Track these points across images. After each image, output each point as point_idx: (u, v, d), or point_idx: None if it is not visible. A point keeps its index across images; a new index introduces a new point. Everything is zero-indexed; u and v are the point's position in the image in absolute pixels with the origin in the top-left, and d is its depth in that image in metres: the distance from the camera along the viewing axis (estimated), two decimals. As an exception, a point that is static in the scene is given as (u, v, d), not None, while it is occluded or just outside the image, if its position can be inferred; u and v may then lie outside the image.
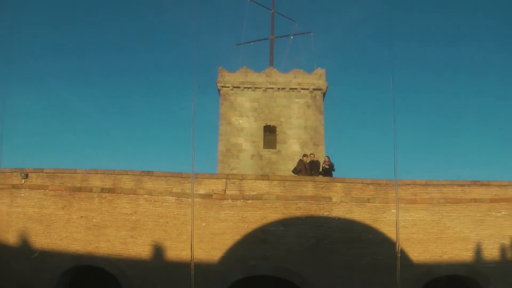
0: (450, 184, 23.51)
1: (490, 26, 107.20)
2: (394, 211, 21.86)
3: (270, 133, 36.26)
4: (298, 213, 22.35)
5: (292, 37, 39.64)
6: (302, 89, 36.65)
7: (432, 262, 22.65)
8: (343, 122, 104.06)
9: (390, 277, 20.87)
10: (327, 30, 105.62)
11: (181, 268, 21.17)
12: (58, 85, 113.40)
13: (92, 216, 22.93)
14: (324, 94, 37.17)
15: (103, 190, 23.10)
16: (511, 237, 23.27)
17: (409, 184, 23.07)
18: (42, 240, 23.23)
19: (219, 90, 37.08)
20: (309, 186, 22.90)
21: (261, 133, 36.13)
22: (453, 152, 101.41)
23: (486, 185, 23.71)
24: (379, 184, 22.89)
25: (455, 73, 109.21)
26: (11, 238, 23.59)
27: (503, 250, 23.17)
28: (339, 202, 22.56)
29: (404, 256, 21.52)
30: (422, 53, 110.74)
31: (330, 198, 22.57)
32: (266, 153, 35.79)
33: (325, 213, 22.40)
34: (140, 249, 22.29)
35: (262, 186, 22.83)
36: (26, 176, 23.84)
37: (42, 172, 24.02)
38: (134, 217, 22.61)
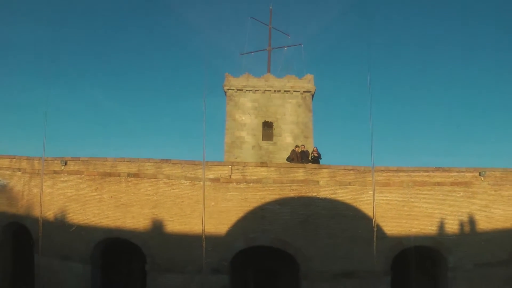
0: (417, 170, 23.67)
1: (461, 26, 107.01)
2: (371, 192, 22.04)
3: (268, 127, 36.28)
4: (291, 194, 22.45)
5: (286, 48, 39.75)
6: (294, 91, 36.73)
7: (402, 235, 22.79)
8: (329, 118, 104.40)
9: (367, 247, 21.12)
10: (316, 41, 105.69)
11: (194, 239, 21.38)
12: (92, 88, 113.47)
13: (120, 197, 23.04)
14: (312, 95, 37.25)
15: (129, 175, 23.18)
16: (468, 214, 23.47)
17: (383, 170, 23.18)
18: (78, 216, 23.40)
19: (225, 92, 37.13)
20: (300, 172, 22.97)
21: (260, 127, 36.17)
22: (421, 143, 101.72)
23: (447, 171, 23.91)
24: (358, 170, 22.98)
25: (425, 71, 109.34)
26: (53, 215, 23.75)
27: (461, 225, 23.39)
28: (325, 185, 22.63)
29: (379, 230, 21.72)
30: (396, 54, 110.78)
31: (318, 182, 22.67)
32: (265, 144, 35.88)
33: (314, 194, 22.51)
34: (160, 224, 22.37)
35: (261, 172, 22.86)
36: (65, 163, 23.96)
37: (79, 160, 24.12)
38: (155, 197, 22.69)
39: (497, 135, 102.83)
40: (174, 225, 22.32)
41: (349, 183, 22.80)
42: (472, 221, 23.58)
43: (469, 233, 23.46)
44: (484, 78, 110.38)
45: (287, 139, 35.69)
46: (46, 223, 23.24)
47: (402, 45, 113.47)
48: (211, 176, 22.55)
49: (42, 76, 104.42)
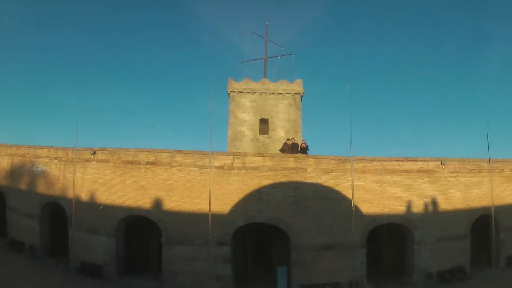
0: (389, 159, 23.78)
1: (430, 28, 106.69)
2: (350, 178, 22.21)
3: (264, 123, 36.21)
4: (283, 179, 22.54)
5: (279, 57, 39.54)
6: (286, 93, 36.70)
7: (376, 214, 22.99)
8: (315, 115, 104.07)
9: (347, 224, 21.42)
10: (305, 51, 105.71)
11: (202, 217, 21.57)
12: (116, 89, 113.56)
13: (140, 181, 23.15)
14: (301, 96, 37.22)
15: (147, 163, 23.24)
16: (431, 196, 23.71)
17: (360, 159, 23.26)
18: (105, 197, 23.57)
19: (228, 94, 37.07)
20: (291, 161, 23.02)
21: (258, 124, 36.10)
22: (392, 136, 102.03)
23: (414, 160, 24.05)
24: (339, 159, 23.03)
25: (398, 71, 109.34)
26: (84, 196, 23.95)
27: (425, 205, 23.63)
28: (312, 172, 22.74)
29: (356, 210, 21.93)
30: (373, 55, 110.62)
31: (306, 169, 22.76)
32: (261, 137, 35.87)
33: (302, 179, 22.62)
34: (173, 204, 22.51)
35: (258, 161, 22.90)
36: (95, 153, 24.12)
37: (106, 150, 24.22)
38: (169, 182, 22.78)
39: (456, 129, 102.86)
40: (185, 205, 22.43)
41: (332, 170, 22.90)
42: (434, 203, 23.83)
43: (432, 213, 23.72)
44: (444, 80, 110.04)
45: (280, 133, 35.76)
46: (78, 202, 23.56)
47: (378, 51, 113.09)
48: (216, 164, 22.62)
49: (75, 79, 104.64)
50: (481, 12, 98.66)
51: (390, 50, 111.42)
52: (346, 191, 22.42)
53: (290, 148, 27.02)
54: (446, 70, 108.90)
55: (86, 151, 24.43)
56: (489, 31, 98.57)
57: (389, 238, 25.96)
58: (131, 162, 23.54)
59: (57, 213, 26.11)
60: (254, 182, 22.51)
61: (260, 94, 36.90)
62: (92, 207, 23.67)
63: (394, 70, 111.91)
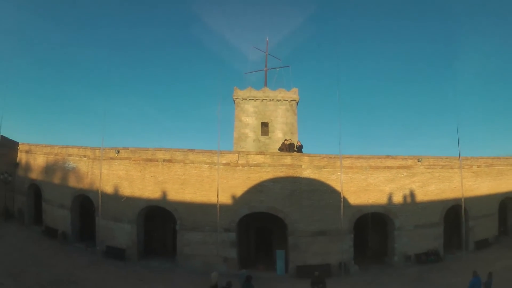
0: (372, 157, 23.88)
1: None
2: (339, 173, 22.16)
3: (264, 126, 36.25)
4: (281, 174, 22.62)
5: (278, 69, 39.56)
6: (284, 100, 36.74)
7: (362, 205, 23.11)
8: (309, 118, 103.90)
9: (336, 213, 21.37)
10: (300, 63, 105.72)
11: (211, 207, 21.67)
12: (138, 98, 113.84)
13: (158, 176, 23.23)
14: (297, 103, 37.27)
15: (164, 160, 23.30)
16: (409, 189, 23.79)
17: (348, 157, 23.31)
18: (127, 190, 23.71)
19: (234, 101, 37.13)
20: (288, 158, 23.07)
21: (259, 126, 36.14)
22: (376, 137, 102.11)
23: (394, 158, 24.14)
24: (330, 157, 23.10)
25: (381, 82, 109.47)
26: (109, 189, 24.10)
27: (404, 197, 23.73)
28: (306, 168, 22.81)
29: (345, 200, 21.85)
30: (359, 68, 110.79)
31: (301, 166, 22.82)
32: (262, 138, 35.93)
33: (298, 175, 22.68)
34: (186, 196, 22.59)
35: (260, 158, 22.96)
36: (118, 152, 24.20)
37: (128, 149, 24.29)
38: (183, 177, 22.88)
39: (430, 131, 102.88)
40: (197, 196, 22.51)
41: (323, 167, 22.96)
42: (412, 194, 23.94)
43: (410, 203, 23.82)
44: (420, 89, 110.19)
45: (279, 135, 35.82)
46: (104, 195, 23.58)
47: (363, 64, 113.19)
48: (224, 161, 22.69)
49: (102, 89, 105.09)
50: (452, 24, 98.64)
51: (374, 63, 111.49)
52: (336, 185, 22.44)
53: (287, 148, 27.12)
54: (422, 80, 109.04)
55: (111, 150, 24.52)
56: (461, 43, 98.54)
57: (373, 225, 26.16)
58: (150, 160, 23.61)
59: (86, 204, 26.27)
60: (256, 177, 22.57)
61: (261, 101, 37.00)
62: (116, 198, 23.80)
63: (378, 81, 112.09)
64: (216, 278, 14.93)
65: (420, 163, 24.32)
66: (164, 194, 23.00)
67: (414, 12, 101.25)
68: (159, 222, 25.96)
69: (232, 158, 22.96)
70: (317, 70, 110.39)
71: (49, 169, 28.20)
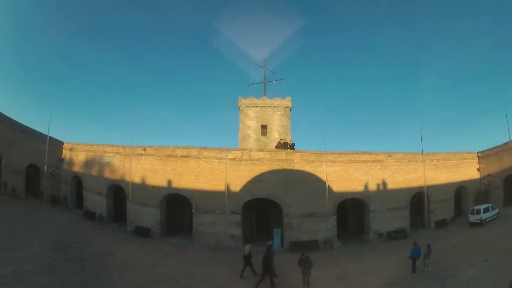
0: (352, 153, 23.93)
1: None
2: (324, 166, 22.56)
3: (264, 128, 36.19)
4: (277, 167, 22.71)
5: (274, 81, 39.53)
6: (280, 107, 36.68)
7: (343, 192, 23.16)
8: (300, 121, 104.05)
9: (322, 199, 21.60)
10: (292, 77, 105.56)
11: (220, 194, 21.87)
12: (160, 103, 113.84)
13: (177, 169, 23.28)
14: (290, 109, 37.34)
15: (182, 156, 23.37)
16: (381, 179, 23.84)
17: (332, 153, 23.38)
18: (152, 181, 23.73)
19: (239, 107, 37.13)
20: (283, 154, 23.15)
21: (259, 128, 36.09)
22: (355, 135, 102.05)
23: (369, 153, 24.17)
24: (317, 153, 23.17)
25: (359, 89, 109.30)
26: (137, 179, 24.12)
27: (377, 185, 23.79)
28: (298, 162, 22.89)
29: (329, 188, 22.07)
30: (343, 78, 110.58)
31: (293, 160, 22.90)
32: (262, 138, 35.90)
33: (291, 167, 22.77)
34: (200, 185, 22.64)
35: (260, 154, 23.06)
36: (145, 149, 24.28)
37: (152, 147, 24.36)
38: (197, 169, 22.94)
39: (399, 131, 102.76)
40: (209, 186, 22.56)
41: (312, 161, 23.03)
42: (384, 183, 24.01)
43: (382, 190, 23.89)
44: (391, 96, 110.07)
45: (275, 135, 35.80)
46: (133, 184, 23.82)
47: (345, 75, 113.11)
48: (230, 157, 22.77)
49: (130, 96, 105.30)
50: (419, 33, 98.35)
51: (353, 73, 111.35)
52: (322, 175, 22.56)
53: (282, 145, 27.24)
54: (394, 88, 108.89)
55: (139, 148, 24.59)
56: (425, 54, 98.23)
57: (352, 209, 26.24)
58: (170, 156, 23.67)
59: (118, 191, 26.34)
60: (257, 169, 22.65)
61: (261, 108, 36.98)
62: (143, 187, 23.87)
63: (356, 88, 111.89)
64: (249, 249, 15.07)
65: (390, 158, 24.38)
66: (182, 184, 23.04)
67: (385, 24, 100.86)
68: (178, 206, 25.98)
69: (237, 154, 23.01)
70: (307, 78, 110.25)
71: (88, 163, 28.28)
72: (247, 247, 15.24)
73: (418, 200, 25.16)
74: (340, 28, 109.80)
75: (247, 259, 14.80)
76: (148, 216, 23.60)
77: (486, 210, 22.91)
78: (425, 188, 24.29)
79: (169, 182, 23.29)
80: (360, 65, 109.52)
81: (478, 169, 28.56)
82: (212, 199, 22.28)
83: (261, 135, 36.23)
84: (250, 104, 37.07)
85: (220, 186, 22.23)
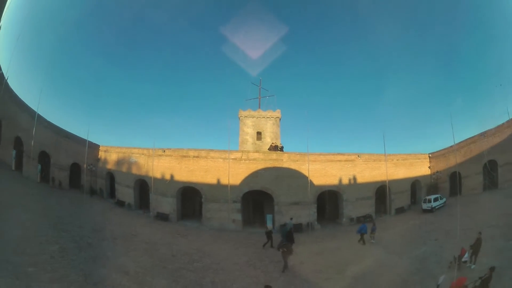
0: (329, 154, 23.83)
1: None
2: (307, 164, 22.55)
3: (259, 134, 35.87)
4: (270, 165, 22.69)
5: (267, 97, 39.46)
6: (271, 117, 36.67)
7: (322, 185, 23.03)
8: (288, 129, 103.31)
9: (305, 191, 21.62)
10: (283, 92, 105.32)
11: (224, 187, 21.78)
12: (175, 114, 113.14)
13: (189, 167, 23.21)
14: (280, 119, 37.30)
15: (194, 156, 23.27)
16: (353, 175, 23.76)
17: (312, 154, 23.21)
18: (170, 176, 23.57)
19: (239, 118, 37.15)
20: (274, 155, 23.23)
21: (255, 134, 35.85)
22: (331, 139, 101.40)
23: (342, 154, 24.10)
24: (301, 154, 23.08)
25: (331, 102, 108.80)
26: (158, 175, 23.83)
27: (349, 180, 23.71)
28: (286, 161, 22.86)
29: (311, 183, 22.11)
30: (320, 92, 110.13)
31: (282, 160, 22.90)
32: (257, 142, 35.50)
33: (280, 165, 22.74)
34: (208, 180, 22.55)
35: (256, 155, 23.09)
36: (164, 151, 24.11)
37: (170, 149, 24.14)
38: (206, 167, 22.85)
39: (365, 135, 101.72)
40: (215, 180, 22.52)
41: (297, 160, 23.01)
42: (354, 178, 24.00)
43: (353, 184, 23.86)
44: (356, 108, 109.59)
45: (268, 140, 35.57)
46: (155, 179, 23.71)
47: (322, 88, 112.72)
48: (232, 157, 22.75)
49: (152, 108, 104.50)
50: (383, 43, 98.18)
51: (330, 85, 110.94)
52: (305, 172, 22.55)
53: (273, 148, 27.33)
54: (362, 99, 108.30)
55: (160, 150, 24.47)
56: (389, 72, 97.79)
57: (329, 198, 26.07)
58: (184, 156, 23.63)
59: (143, 185, 26.09)
60: (254, 167, 22.63)
61: (257, 118, 36.91)
62: (163, 181, 23.78)
63: (332, 100, 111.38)
64: (271, 227, 15.41)
65: (359, 158, 24.48)
66: (194, 179, 23.01)
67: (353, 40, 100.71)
68: (191, 196, 25.70)
69: (238, 155, 23.09)
70: (294, 91, 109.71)
71: (119, 162, 28.18)
72: (269, 226, 15.53)
73: (381, 191, 25.20)
74: (317, 45, 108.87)
75: (269, 235, 15.07)
76: (167, 204, 23.54)
77: (435, 199, 23.15)
78: (387, 182, 24.41)
79: (184, 177, 23.26)
80: (335, 78, 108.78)
81: (429, 167, 28.80)
82: (218, 191, 22.28)
83: (256, 140, 36.19)
84: (248, 115, 37.08)
85: (224, 180, 22.25)
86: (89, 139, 26.90)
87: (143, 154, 26.07)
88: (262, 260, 13.13)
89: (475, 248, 11.88)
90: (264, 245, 14.71)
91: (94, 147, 30.77)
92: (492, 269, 10.00)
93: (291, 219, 14.96)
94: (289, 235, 13.35)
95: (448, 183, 26.63)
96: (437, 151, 28.56)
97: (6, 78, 24.43)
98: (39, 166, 25.04)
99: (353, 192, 23.74)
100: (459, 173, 25.38)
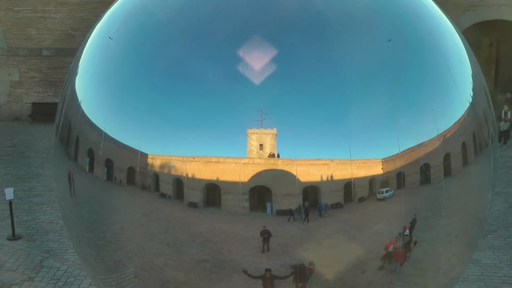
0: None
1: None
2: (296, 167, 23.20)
3: (261, 145, 37.23)
4: (269, 168, 23.34)
5: (267, 119, 40.02)
6: (270, 134, 37.73)
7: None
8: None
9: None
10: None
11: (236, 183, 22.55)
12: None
13: (212, 169, 23.45)
14: (276, 135, 38.26)
15: (215, 162, 22.82)
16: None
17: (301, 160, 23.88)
18: None
19: (247, 134, 38.16)
20: (272, 160, 23.63)
21: (259, 146, 37.14)
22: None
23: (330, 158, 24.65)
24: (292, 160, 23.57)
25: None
26: (190, 175, 24.57)
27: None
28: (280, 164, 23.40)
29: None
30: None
31: (277, 164, 23.39)
32: (260, 152, 36.74)
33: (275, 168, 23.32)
34: (226, 178, 22.99)
35: (258, 160, 23.51)
36: (194, 158, 24.71)
37: (198, 156, 23.85)
38: (223, 169, 23.26)
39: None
40: (231, 179, 22.89)
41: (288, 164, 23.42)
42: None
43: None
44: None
45: (267, 150, 36.53)
46: (188, 178, 24.03)
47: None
48: (242, 162, 23.16)
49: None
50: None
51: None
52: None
53: (271, 155, 27.74)
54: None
55: (190, 157, 24.21)
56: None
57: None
58: (208, 162, 21.18)
59: (179, 183, 26.45)
60: (258, 169, 22.98)
61: (259, 134, 37.77)
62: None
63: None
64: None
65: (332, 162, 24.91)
66: (215, 177, 22.89)
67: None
68: (213, 190, 26.14)
69: (246, 160, 23.20)
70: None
71: (162, 166, 28.26)
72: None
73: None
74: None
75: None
76: (195, 196, 23.67)
77: (387, 191, 23.37)
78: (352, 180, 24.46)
79: (208, 177, 22.17)
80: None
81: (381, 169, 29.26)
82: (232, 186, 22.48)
83: (259, 150, 37.00)
84: (253, 132, 37.83)
85: (236, 179, 22.47)
86: (140, 150, 27.58)
87: (178, 160, 26.63)
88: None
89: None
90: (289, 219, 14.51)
91: (144, 155, 31.62)
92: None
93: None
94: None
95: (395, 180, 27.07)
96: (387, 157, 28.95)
97: (81, 104, 25.91)
98: (105, 169, 25.99)
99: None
100: (403, 173, 25.93)
